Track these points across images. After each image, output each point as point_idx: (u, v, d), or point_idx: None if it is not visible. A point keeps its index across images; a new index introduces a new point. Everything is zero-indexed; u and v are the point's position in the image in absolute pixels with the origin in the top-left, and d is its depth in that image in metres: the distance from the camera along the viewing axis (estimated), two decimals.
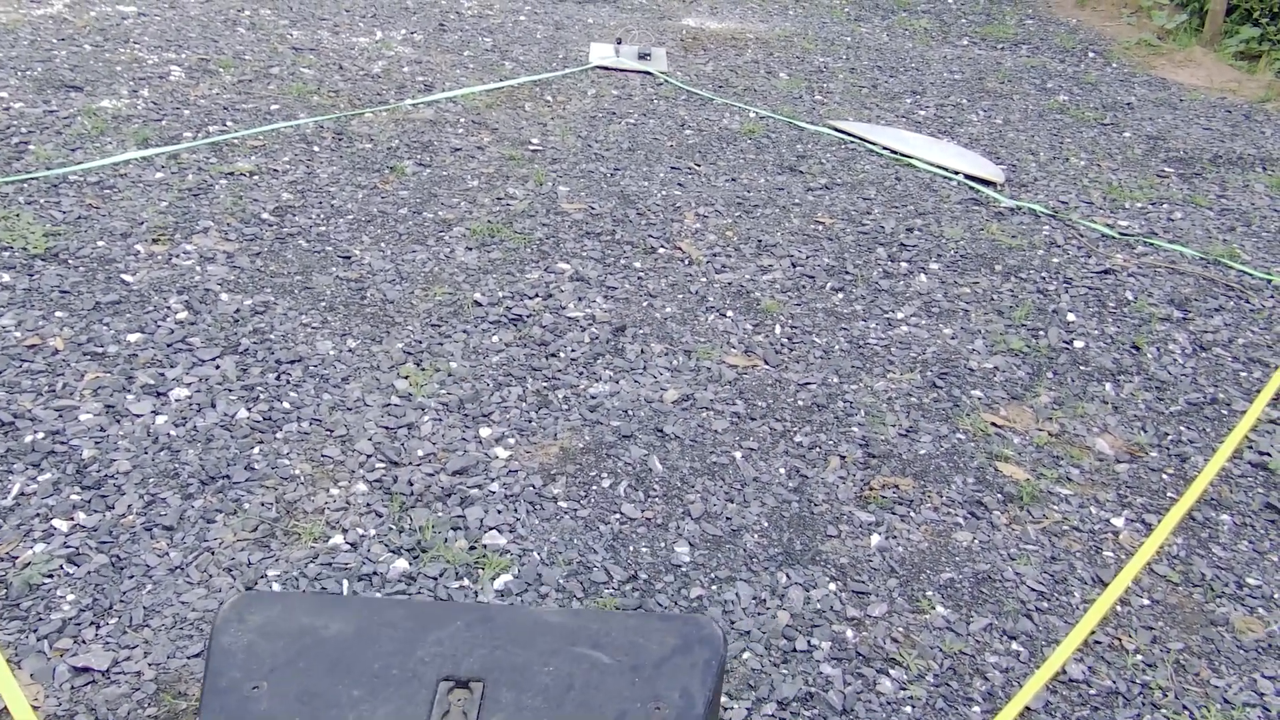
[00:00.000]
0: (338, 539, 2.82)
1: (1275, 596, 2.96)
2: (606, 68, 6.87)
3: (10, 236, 4.06)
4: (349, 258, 4.24)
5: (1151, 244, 4.95)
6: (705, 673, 1.24)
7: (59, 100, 5.38)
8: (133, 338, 3.58)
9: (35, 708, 2.26)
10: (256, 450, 3.12)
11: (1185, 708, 2.58)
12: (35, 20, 6.52)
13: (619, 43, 7.23)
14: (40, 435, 3.07)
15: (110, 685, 2.34)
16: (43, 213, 4.28)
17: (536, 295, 4.13)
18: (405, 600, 1.41)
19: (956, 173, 5.57)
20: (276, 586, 2.64)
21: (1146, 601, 2.91)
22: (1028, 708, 2.54)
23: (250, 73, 6.08)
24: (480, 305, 4.02)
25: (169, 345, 3.56)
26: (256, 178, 4.82)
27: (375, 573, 2.74)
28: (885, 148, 5.86)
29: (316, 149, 5.20)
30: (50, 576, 2.61)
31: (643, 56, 7.05)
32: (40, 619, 2.50)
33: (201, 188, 4.67)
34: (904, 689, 2.57)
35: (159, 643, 2.45)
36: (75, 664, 2.37)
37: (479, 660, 1.24)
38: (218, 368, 3.47)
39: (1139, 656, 2.72)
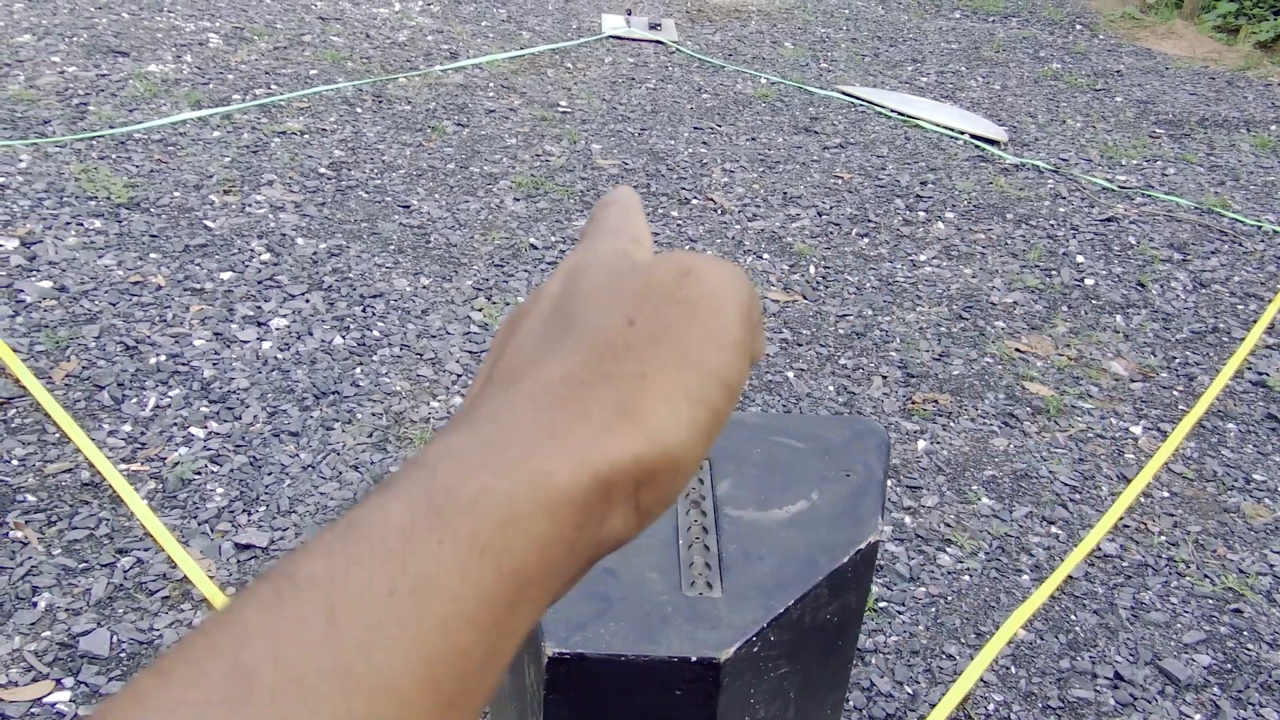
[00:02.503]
0: None
1: None
2: (619, 37, 7.17)
3: (94, 188, 4.33)
4: (408, 207, 4.53)
5: (1149, 196, 5.30)
6: (879, 452, 1.57)
7: (108, 65, 5.63)
8: (225, 276, 3.86)
9: (210, 577, 2.56)
10: (358, 370, 3.42)
11: (1206, 576, 2.93)
12: None
13: (629, 14, 7.52)
14: (163, 358, 3.36)
15: (273, 559, 2.64)
16: (118, 167, 4.55)
17: None
18: None
19: (962, 133, 5.90)
20: None
21: (1166, 494, 3.26)
22: (1070, 576, 2.88)
23: (284, 40, 6.34)
24: (536, 249, 4.32)
25: (259, 282, 3.85)
26: (308, 136, 5.09)
27: None
28: (893, 110, 6.19)
29: (359, 110, 5.47)
30: (198, 474, 2.90)
31: (653, 27, 7.35)
32: (198, 507, 2.79)
33: (258, 145, 4.94)
34: (961, 562, 2.90)
35: (307, 525, 2.75)
36: (238, 541, 2.68)
37: None
38: (308, 301, 3.76)
39: (1163, 537, 3.07)
